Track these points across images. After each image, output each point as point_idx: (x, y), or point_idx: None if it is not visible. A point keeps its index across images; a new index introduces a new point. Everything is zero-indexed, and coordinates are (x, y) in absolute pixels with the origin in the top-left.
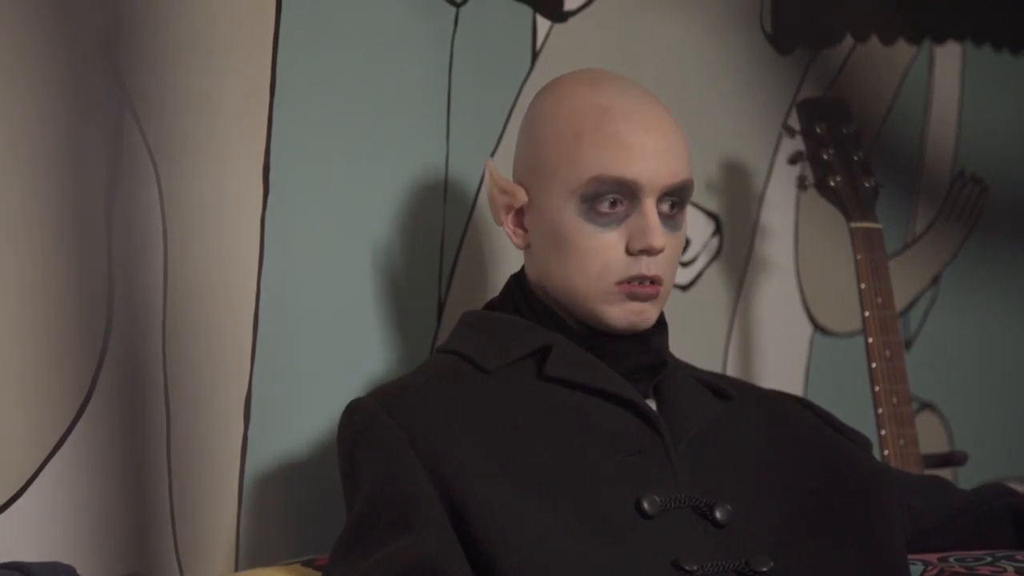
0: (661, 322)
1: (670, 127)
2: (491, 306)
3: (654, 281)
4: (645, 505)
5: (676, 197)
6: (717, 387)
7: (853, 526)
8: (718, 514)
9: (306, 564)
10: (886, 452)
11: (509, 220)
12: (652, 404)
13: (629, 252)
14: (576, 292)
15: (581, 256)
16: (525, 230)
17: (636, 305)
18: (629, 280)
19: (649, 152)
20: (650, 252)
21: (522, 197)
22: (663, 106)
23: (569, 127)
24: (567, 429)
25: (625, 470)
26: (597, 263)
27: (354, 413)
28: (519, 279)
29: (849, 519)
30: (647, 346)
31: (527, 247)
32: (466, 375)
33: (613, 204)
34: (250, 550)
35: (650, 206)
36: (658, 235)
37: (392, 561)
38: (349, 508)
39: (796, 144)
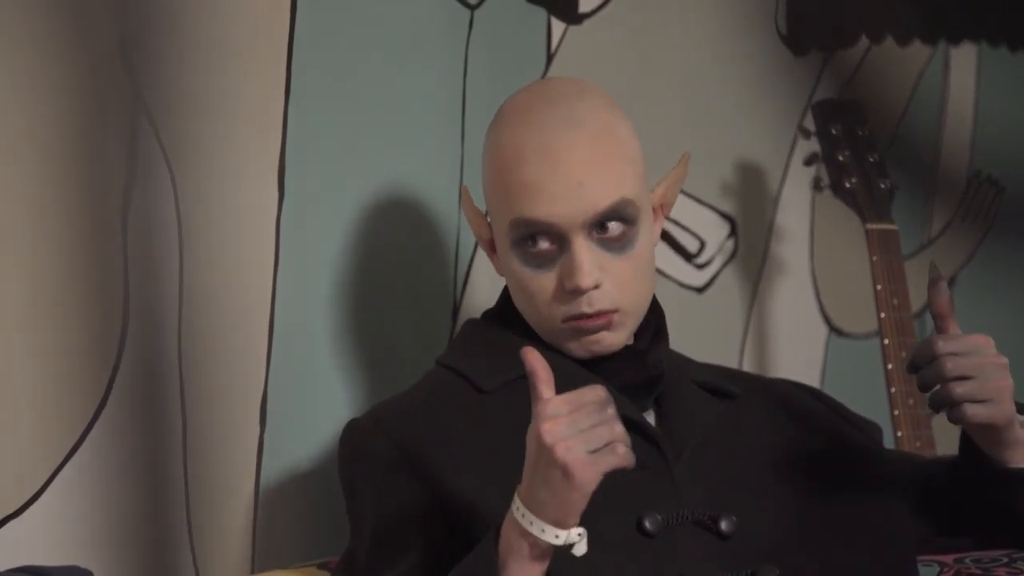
0: (657, 335)
1: (587, 155)
2: (489, 316)
3: (600, 314)
4: (646, 523)
5: (612, 219)
6: (720, 388)
7: (860, 520)
8: (723, 526)
9: (321, 567)
10: None
11: (486, 247)
12: (652, 417)
13: (565, 291)
14: (538, 327)
15: (528, 297)
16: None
17: (590, 337)
18: (573, 318)
19: (558, 192)
20: (579, 292)
21: (488, 230)
22: (586, 129)
23: (495, 173)
24: None
25: (625, 488)
26: (542, 304)
27: (352, 434)
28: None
29: (856, 513)
30: (642, 362)
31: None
32: (464, 394)
33: (540, 244)
34: (266, 552)
35: (578, 243)
36: (585, 274)
37: None
38: (351, 527)
39: (811, 145)
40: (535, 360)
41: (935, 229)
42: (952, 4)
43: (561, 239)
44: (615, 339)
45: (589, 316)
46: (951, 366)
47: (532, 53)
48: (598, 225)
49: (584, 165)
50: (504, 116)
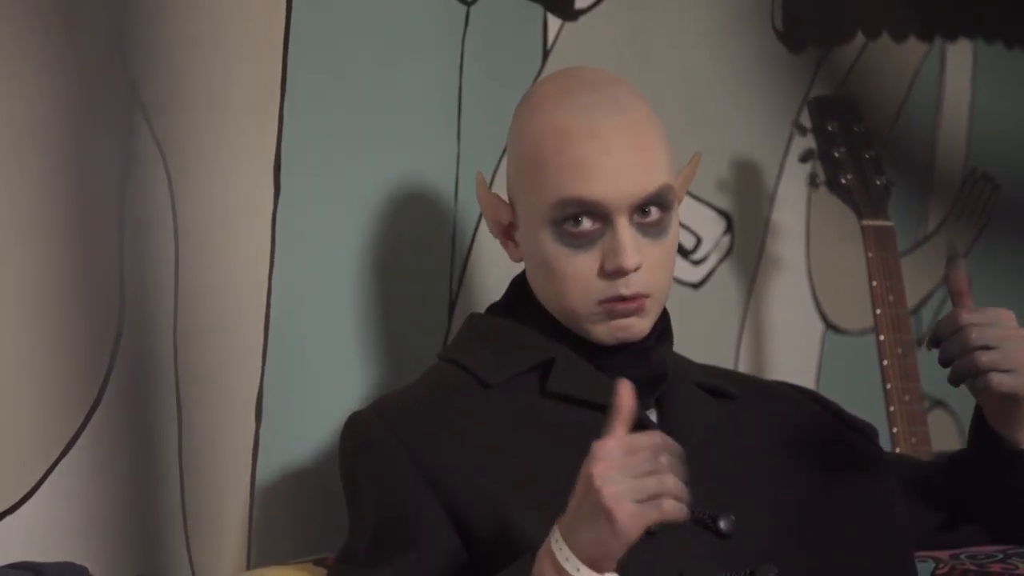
0: (663, 334)
1: (635, 139)
2: (494, 309)
3: (636, 297)
4: None
5: (653, 204)
6: (718, 389)
7: (859, 520)
8: (722, 525)
9: (317, 563)
10: (897, 450)
11: (501, 233)
12: (653, 416)
13: (605, 272)
14: (562, 312)
15: (560, 279)
16: (517, 244)
17: (620, 322)
18: (609, 300)
19: (609, 173)
20: (622, 273)
21: (507, 214)
22: (631, 113)
23: (534, 152)
24: (568, 446)
25: None
26: (576, 286)
27: (355, 427)
28: (522, 284)
29: (853, 514)
30: (647, 360)
31: (521, 260)
32: (468, 389)
33: (583, 224)
34: (261, 549)
35: (622, 224)
36: (630, 255)
37: None
38: (351, 522)
39: (807, 142)
40: (626, 396)
41: (931, 226)
42: (948, 1)
43: (605, 220)
44: (643, 325)
45: (625, 299)
46: (976, 335)
47: (528, 49)
48: (640, 209)
49: (632, 148)
50: (540, 98)
